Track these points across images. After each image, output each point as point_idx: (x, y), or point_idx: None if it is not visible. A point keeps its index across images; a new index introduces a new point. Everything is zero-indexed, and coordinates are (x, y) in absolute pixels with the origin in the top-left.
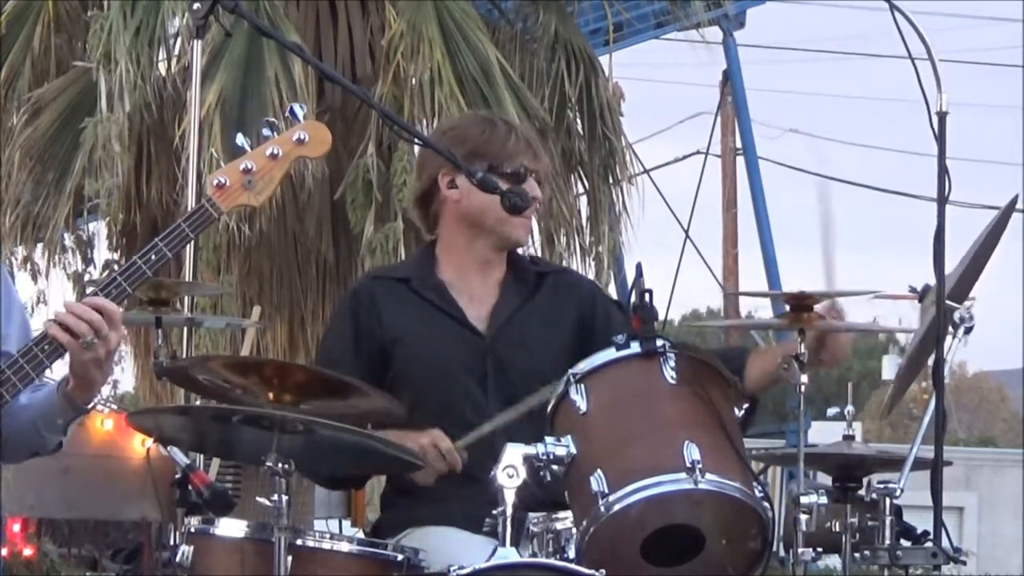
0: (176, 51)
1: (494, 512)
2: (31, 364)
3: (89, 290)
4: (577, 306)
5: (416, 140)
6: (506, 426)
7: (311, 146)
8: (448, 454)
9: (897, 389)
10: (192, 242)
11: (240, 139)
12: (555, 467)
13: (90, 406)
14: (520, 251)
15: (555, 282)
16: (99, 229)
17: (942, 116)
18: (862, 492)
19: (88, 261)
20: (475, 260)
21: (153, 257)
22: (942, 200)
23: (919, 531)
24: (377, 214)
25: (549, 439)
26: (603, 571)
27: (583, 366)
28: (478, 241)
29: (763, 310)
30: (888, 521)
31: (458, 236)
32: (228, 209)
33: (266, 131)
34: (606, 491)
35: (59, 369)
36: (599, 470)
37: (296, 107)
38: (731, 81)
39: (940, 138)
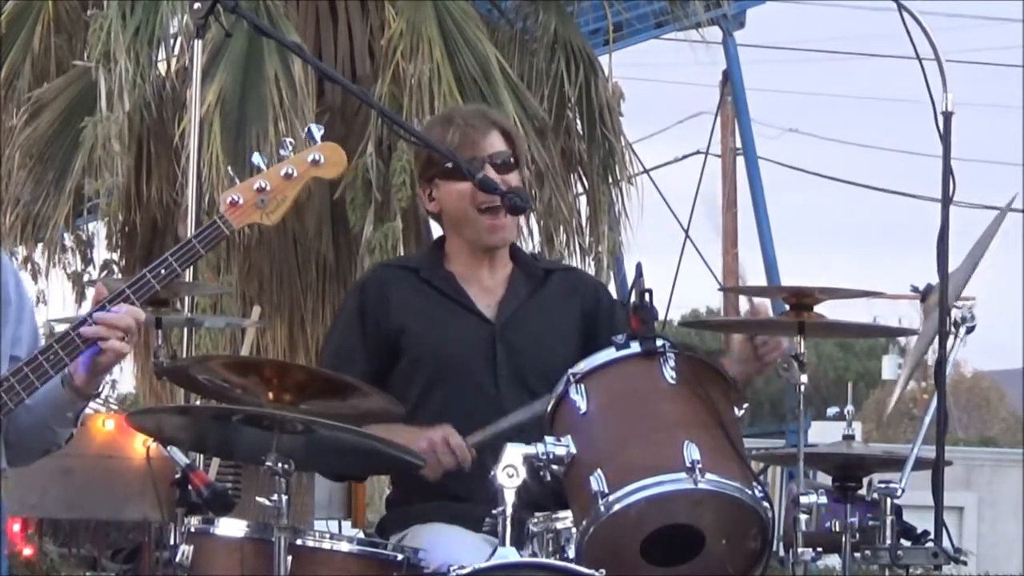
0: (176, 51)
1: (494, 512)
2: (36, 373)
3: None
4: (582, 303)
5: (416, 140)
6: (517, 428)
7: (326, 167)
8: (459, 450)
9: (902, 390)
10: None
11: (256, 157)
12: (555, 467)
13: (99, 390)
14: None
15: (562, 279)
16: (99, 229)
17: (947, 116)
18: (862, 492)
19: (88, 261)
20: (479, 257)
21: (163, 272)
22: (946, 200)
23: (919, 531)
24: (376, 213)
25: (549, 439)
26: (603, 571)
27: (583, 366)
28: (467, 242)
29: None
30: (888, 521)
31: (455, 239)
32: (239, 227)
33: (283, 151)
34: (606, 491)
35: None
36: (599, 470)
37: (313, 128)
38: (731, 81)
39: (945, 138)
